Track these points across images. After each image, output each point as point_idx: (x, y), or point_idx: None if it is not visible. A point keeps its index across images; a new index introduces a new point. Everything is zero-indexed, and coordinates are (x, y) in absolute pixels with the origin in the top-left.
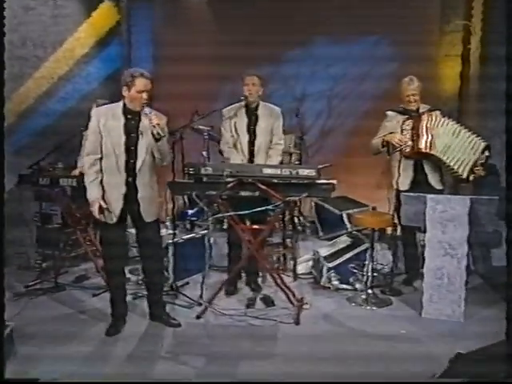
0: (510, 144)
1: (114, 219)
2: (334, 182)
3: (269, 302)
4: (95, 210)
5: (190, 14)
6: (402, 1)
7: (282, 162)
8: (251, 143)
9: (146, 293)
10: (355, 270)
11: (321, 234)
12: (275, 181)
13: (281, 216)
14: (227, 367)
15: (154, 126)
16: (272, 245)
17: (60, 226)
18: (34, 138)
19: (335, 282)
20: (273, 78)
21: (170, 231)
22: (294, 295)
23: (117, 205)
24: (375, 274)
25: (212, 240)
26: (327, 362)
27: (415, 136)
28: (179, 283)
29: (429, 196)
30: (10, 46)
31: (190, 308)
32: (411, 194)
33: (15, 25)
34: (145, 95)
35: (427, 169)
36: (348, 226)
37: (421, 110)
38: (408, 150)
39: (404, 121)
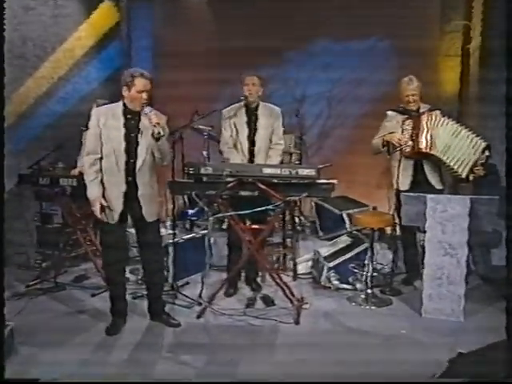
0: (510, 144)
1: (115, 218)
2: (334, 181)
3: (269, 301)
4: (96, 208)
5: (190, 14)
6: (402, 1)
7: (282, 162)
8: (251, 143)
9: (145, 292)
10: (355, 270)
11: (321, 233)
12: (275, 181)
13: (281, 216)
14: (227, 367)
15: (154, 126)
16: (272, 245)
17: (60, 226)
18: (34, 137)
19: (335, 282)
20: (273, 78)
21: (170, 231)
22: (293, 295)
23: (117, 205)
24: (375, 274)
25: (212, 240)
26: (327, 361)
27: (415, 136)
28: (179, 283)
29: (429, 196)
30: (10, 46)
31: (189, 308)
32: (411, 193)
33: (15, 25)
34: (145, 95)
35: (427, 169)
36: (348, 225)
37: (421, 110)
38: (408, 149)
39: (404, 120)
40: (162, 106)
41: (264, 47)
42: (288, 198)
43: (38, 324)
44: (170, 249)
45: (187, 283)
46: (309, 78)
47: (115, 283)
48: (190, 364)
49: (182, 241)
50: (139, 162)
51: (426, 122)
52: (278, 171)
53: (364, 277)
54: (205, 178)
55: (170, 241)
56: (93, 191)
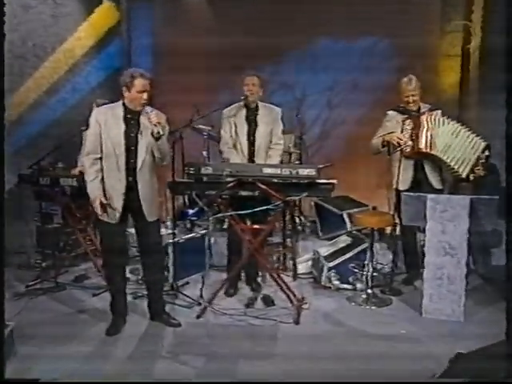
0: (510, 145)
1: (116, 218)
2: (334, 181)
3: (269, 301)
4: (97, 206)
5: (190, 14)
6: (402, 1)
7: (281, 162)
8: (251, 143)
9: (146, 292)
10: (355, 270)
11: (321, 233)
12: (275, 180)
13: (281, 216)
14: (227, 367)
15: (154, 125)
16: (272, 244)
17: (60, 226)
18: (34, 137)
19: (335, 282)
20: (273, 78)
21: (170, 231)
22: (294, 295)
23: (118, 204)
24: (375, 274)
25: (212, 240)
26: (327, 361)
27: (415, 136)
28: (179, 283)
29: (429, 196)
30: (10, 46)
31: (190, 308)
32: (411, 193)
33: (15, 24)
34: (145, 95)
35: (427, 168)
36: (348, 225)
37: (421, 110)
38: (408, 149)
39: (404, 120)
40: (162, 105)
41: (264, 47)
42: (288, 198)
43: (38, 324)
44: (170, 249)
45: (187, 283)
46: (309, 77)
47: (115, 283)
48: (190, 364)
49: (182, 241)
50: (139, 162)
51: (426, 122)
52: (278, 171)
53: (364, 277)
54: (205, 178)
55: (170, 241)
56: (93, 190)
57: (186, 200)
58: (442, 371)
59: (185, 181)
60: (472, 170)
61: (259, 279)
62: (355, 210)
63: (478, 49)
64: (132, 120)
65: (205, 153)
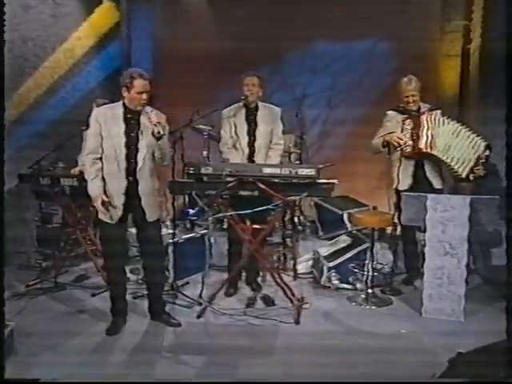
0: (510, 146)
1: (116, 218)
2: (334, 181)
3: (269, 301)
4: (98, 205)
5: (190, 15)
6: (402, 1)
7: (281, 162)
8: (251, 144)
9: (146, 292)
10: (355, 270)
11: (321, 233)
12: (275, 180)
13: (281, 216)
14: (227, 367)
15: (154, 125)
16: (272, 244)
17: (60, 226)
18: (34, 137)
19: (335, 282)
20: (273, 78)
21: (170, 231)
22: (294, 295)
23: (118, 204)
24: (375, 274)
25: (212, 239)
26: (327, 361)
27: (415, 136)
28: (179, 283)
29: (429, 196)
30: (11, 46)
31: (190, 307)
32: (411, 193)
33: (15, 24)
34: (144, 96)
35: (427, 168)
36: (348, 225)
37: (421, 110)
38: (408, 149)
39: (404, 120)
40: (162, 105)
41: (264, 47)
42: (288, 198)
43: (38, 324)
44: (170, 248)
45: (187, 283)
46: (309, 77)
47: (115, 283)
48: (190, 364)
49: (182, 240)
50: (140, 162)
51: (427, 122)
52: (278, 171)
53: (364, 276)
54: (205, 178)
55: (170, 240)
56: (94, 188)
57: (186, 200)
58: (442, 371)
59: (185, 181)
60: (472, 170)
61: (259, 279)
62: (355, 209)
63: (478, 49)
64: (132, 120)
65: (205, 153)
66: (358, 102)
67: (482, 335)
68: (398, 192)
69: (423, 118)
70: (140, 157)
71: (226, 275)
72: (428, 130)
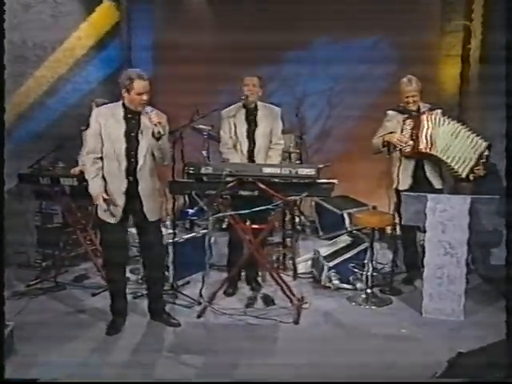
0: (510, 144)
1: (117, 218)
2: (334, 181)
3: (269, 301)
4: (100, 202)
5: (191, 14)
6: (402, 0)
7: (281, 162)
8: (251, 144)
9: (146, 292)
10: (355, 270)
11: (321, 233)
12: (275, 180)
13: (281, 215)
14: (227, 367)
15: (154, 125)
16: (272, 244)
17: (60, 226)
18: (34, 137)
19: (335, 282)
20: (273, 78)
21: (170, 230)
22: (293, 294)
23: (119, 204)
24: (375, 274)
25: (212, 239)
26: (327, 361)
27: (415, 136)
28: (179, 282)
29: (429, 195)
30: (10, 46)
31: (190, 307)
32: (411, 193)
33: (15, 24)
34: (144, 96)
35: (427, 168)
36: (348, 225)
37: (421, 110)
38: (408, 149)
39: (404, 120)
40: (162, 105)
41: (264, 47)
42: (288, 198)
43: (38, 324)
44: (170, 248)
45: (187, 283)
46: (309, 77)
47: (115, 283)
48: (190, 364)
49: (182, 240)
50: (140, 162)
51: (427, 122)
52: (277, 171)
53: (364, 276)
54: (205, 178)
55: (170, 240)
56: (95, 187)
57: (186, 199)
58: (442, 371)
59: (185, 180)
60: (472, 170)
61: (259, 279)
62: (355, 209)
63: (478, 49)
64: (132, 120)
65: (205, 152)
66: (358, 101)
67: (481, 335)
68: (398, 192)
69: (423, 117)
70: (140, 157)
71: (225, 275)
72: (428, 129)
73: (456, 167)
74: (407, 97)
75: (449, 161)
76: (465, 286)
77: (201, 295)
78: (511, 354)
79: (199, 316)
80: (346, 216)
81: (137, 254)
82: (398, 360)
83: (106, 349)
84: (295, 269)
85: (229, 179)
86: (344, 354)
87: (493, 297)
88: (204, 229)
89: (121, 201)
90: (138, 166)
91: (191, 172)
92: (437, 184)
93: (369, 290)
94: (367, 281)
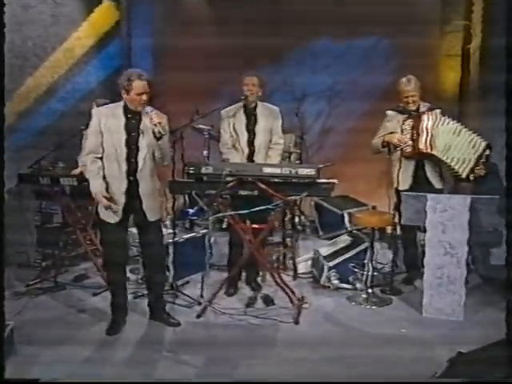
0: (510, 146)
1: (117, 218)
2: (334, 181)
3: (269, 301)
4: (102, 200)
5: (190, 14)
6: (402, 0)
7: (281, 162)
8: (250, 143)
9: (146, 292)
10: (355, 269)
11: (321, 233)
12: (275, 180)
13: (281, 215)
14: (227, 367)
15: (154, 125)
16: (272, 244)
17: (60, 225)
18: (34, 137)
19: (335, 281)
20: (273, 77)
21: (170, 230)
22: (294, 294)
23: (119, 204)
24: (375, 273)
25: (212, 239)
26: (327, 361)
27: (415, 136)
28: (179, 282)
29: (429, 195)
30: (11, 45)
31: (190, 307)
32: (411, 193)
33: (15, 24)
34: (144, 96)
35: (428, 168)
36: (348, 225)
37: (421, 109)
38: (408, 149)
39: (404, 120)
40: (162, 105)
41: (264, 47)
42: (288, 198)
43: (38, 323)
44: (170, 248)
45: (187, 283)
46: (309, 77)
47: (116, 283)
48: (190, 364)
49: (182, 240)
50: (140, 162)
51: (426, 122)
52: (278, 171)
53: (364, 276)
54: (205, 178)
55: (170, 240)
56: (95, 185)
57: (187, 199)
58: (442, 371)
59: (185, 180)
60: (472, 170)
61: (259, 279)
62: (355, 209)
63: (478, 49)
64: (133, 120)
65: (205, 152)
66: (358, 101)
67: (481, 335)
68: (398, 192)
69: (423, 117)
70: (140, 157)
71: (225, 275)
72: (428, 129)
73: (456, 167)
74: (406, 97)
75: (449, 161)
76: (465, 286)
77: (201, 295)
78: (511, 353)
79: (199, 316)
80: (346, 216)
81: (137, 253)
82: (397, 360)
83: (106, 349)
84: (295, 269)
85: (229, 179)
86: (344, 354)
87: (493, 297)
88: (204, 229)
89: (121, 201)
90: (139, 166)
91: (191, 172)
92: (437, 184)
93: (369, 290)
94: (367, 281)
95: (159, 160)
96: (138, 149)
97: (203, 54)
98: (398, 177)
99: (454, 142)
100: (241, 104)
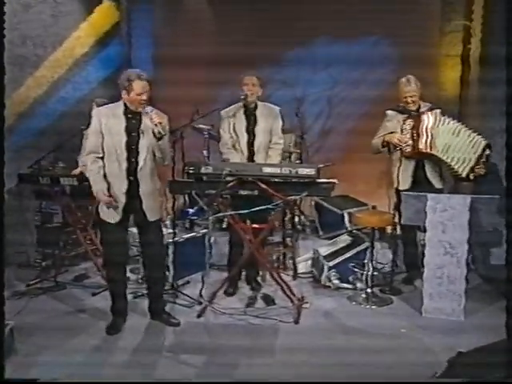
0: (510, 146)
1: (117, 218)
2: (334, 181)
3: (269, 300)
4: (102, 198)
5: (190, 15)
6: (402, 0)
7: (281, 162)
8: (250, 143)
9: (146, 292)
10: (355, 269)
11: (321, 232)
12: (275, 180)
13: (281, 215)
14: (227, 367)
15: (155, 125)
16: (272, 244)
17: (60, 225)
18: (34, 137)
19: (335, 281)
20: (273, 78)
21: (170, 230)
22: (294, 294)
23: (119, 204)
24: (375, 273)
25: (212, 239)
26: (327, 360)
27: (415, 136)
28: (179, 282)
29: (429, 195)
30: (10, 45)
31: (190, 307)
32: (411, 193)
33: (15, 24)
34: (144, 96)
35: (428, 168)
36: (348, 224)
37: (421, 109)
38: (408, 149)
39: (404, 120)
40: (162, 105)
41: (264, 47)
42: (288, 198)
43: (38, 323)
44: (170, 248)
45: (187, 282)
46: (309, 77)
47: (116, 282)
48: (190, 364)
49: (182, 240)
50: (141, 162)
51: (426, 122)
52: (278, 170)
53: (364, 276)
54: (205, 178)
55: (170, 240)
56: (96, 183)
57: (186, 199)
58: (442, 371)
59: (185, 180)
60: (473, 170)
61: (259, 278)
62: (355, 209)
63: (478, 49)
64: (133, 120)
65: (205, 152)
66: (358, 101)
67: (482, 334)
68: (398, 191)
69: (423, 117)
70: (141, 157)
71: (225, 274)
72: (428, 129)
73: (456, 167)
74: (406, 97)
75: (449, 161)
76: (465, 286)
77: (201, 295)
78: (511, 354)
79: (199, 316)
80: (346, 216)
81: (137, 253)
82: (397, 360)
83: (106, 348)
84: (295, 268)
85: (229, 179)
86: (344, 354)
87: (493, 297)
88: (204, 228)
89: (121, 200)
90: (139, 166)
91: (191, 172)
92: (437, 184)
93: (369, 290)
94: (367, 280)
95: (159, 160)
96: (138, 149)
97: (203, 53)
98: (397, 177)
99: (453, 141)
100: (241, 104)
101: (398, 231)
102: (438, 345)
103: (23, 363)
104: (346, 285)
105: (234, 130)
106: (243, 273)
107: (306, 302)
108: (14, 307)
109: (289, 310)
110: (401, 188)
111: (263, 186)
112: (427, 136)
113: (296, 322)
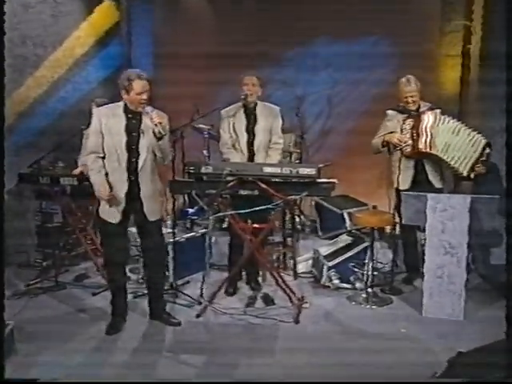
0: (510, 146)
1: (118, 218)
2: (335, 180)
3: (269, 300)
4: (102, 196)
5: (190, 14)
6: (402, 0)
7: (281, 162)
8: (250, 143)
9: (146, 291)
10: (355, 269)
11: (321, 232)
12: (275, 180)
13: (281, 215)
14: (227, 366)
15: (155, 125)
16: (272, 244)
17: (60, 225)
18: (34, 137)
19: (335, 281)
20: (273, 78)
21: (170, 230)
22: (294, 294)
23: (120, 204)
24: (375, 273)
25: (212, 239)
26: (327, 360)
27: (415, 135)
28: (179, 282)
29: (429, 195)
30: (10, 45)
31: (190, 307)
32: (412, 193)
33: (15, 23)
34: (144, 96)
35: (428, 168)
36: (348, 224)
37: (421, 109)
38: (408, 149)
39: (404, 120)
40: (162, 105)
41: (264, 46)
42: (288, 197)
43: (39, 323)
44: (171, 248)
45: (188, 282)
46: (309, 77)
47: (116, 282)
48: (190, 364)
49: (182, 240)
50: (141, 162)
51: (426, 122)
52: (278, 170)
53: (364, 276)
54: (205, 177)
55: (171, 240)
56: (97, 182)
57: (187, 199)
58: (442, 371)
59: (185, 180)
60: (473, 168)
61: (259, 278)
62: (355, 209)
63: (478, 49)
64: (133, 119)
65: (205, 152)
66: (358, 101)
67: (481, 334)
68: (398, 191)
69: (423, 117)
70: (141, 157)
71: (226, 274)
72: (427, 129)
73: (456, 166)
74: (406, 97)
75: (449, 160)
76: (465, 286)
77: (201, 295)
78: (511, 354)
79: (199, 315)
80: (346, 215)
81: (137, 253)
82: (397, 360)
83: (106, 348)
84: (295, 268)
85: (229, 179)
86: (344, 354)
87: (493, 297)
88: (204, 228)
89: (122, 200)
90: (139, 166)
91: (191, 171)
92: (437, 184)
93: (369, 290)
94: (367, 280)
95: (160, 160)
96: (138, 149)
97: (203, 53)
98: (398, 176)
99: (453, 140)
100: (240, 104)
101: (398, 231)
102: (438, 345)
103: (23, 363)
104: (346, 285)
105: (233, 129)
106: (243, 273)
107: (306, 302)
108: (14, 307)
109: (289, 310)
110: (401, 188)
111: (263, 185)
112: (427, 135)
113: (296, 321)
